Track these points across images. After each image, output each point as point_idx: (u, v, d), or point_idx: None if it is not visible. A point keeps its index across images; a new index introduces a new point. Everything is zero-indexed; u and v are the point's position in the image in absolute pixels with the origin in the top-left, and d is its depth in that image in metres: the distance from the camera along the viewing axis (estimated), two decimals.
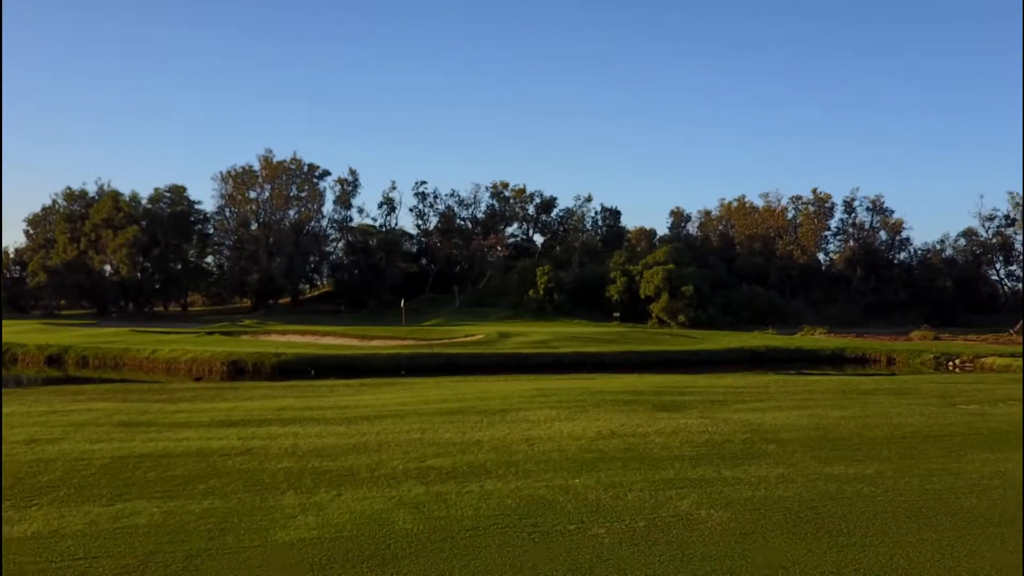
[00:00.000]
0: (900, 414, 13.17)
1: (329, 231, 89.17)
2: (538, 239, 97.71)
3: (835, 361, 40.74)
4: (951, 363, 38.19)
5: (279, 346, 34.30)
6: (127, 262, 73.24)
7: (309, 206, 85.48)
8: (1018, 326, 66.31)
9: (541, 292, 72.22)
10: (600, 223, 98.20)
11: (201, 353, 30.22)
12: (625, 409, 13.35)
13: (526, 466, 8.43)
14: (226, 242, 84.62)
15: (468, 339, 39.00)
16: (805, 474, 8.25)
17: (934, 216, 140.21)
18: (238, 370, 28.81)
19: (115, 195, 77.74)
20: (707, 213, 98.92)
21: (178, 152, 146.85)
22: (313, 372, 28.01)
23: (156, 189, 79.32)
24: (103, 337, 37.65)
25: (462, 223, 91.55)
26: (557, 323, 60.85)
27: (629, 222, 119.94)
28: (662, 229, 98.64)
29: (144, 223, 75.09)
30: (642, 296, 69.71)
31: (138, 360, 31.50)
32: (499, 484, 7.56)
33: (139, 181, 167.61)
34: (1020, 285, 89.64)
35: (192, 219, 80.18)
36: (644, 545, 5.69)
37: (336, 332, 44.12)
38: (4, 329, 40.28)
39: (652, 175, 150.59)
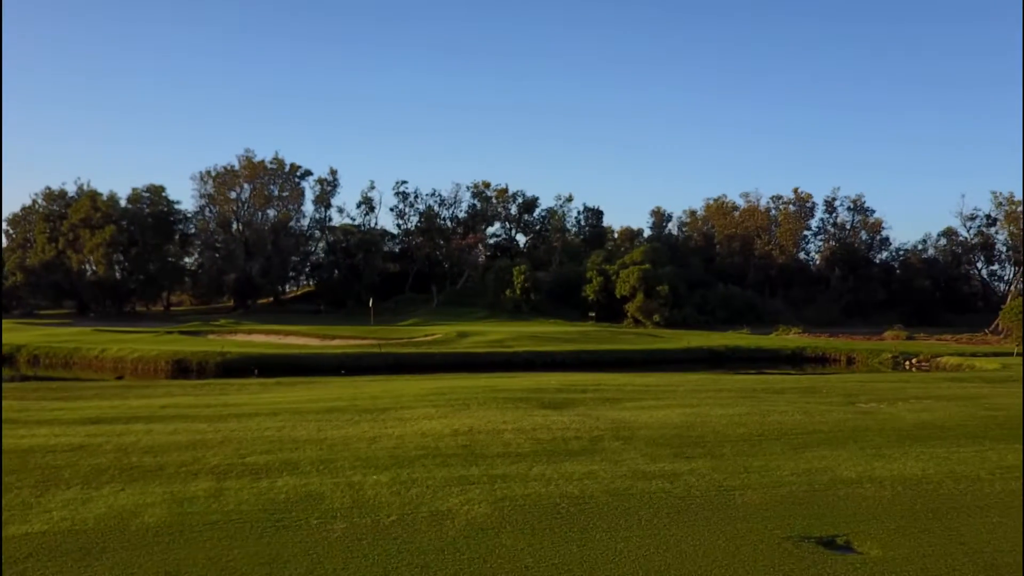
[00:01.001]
0: (783, 412, 13.20)
1: (312, 231, 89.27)
2: (521, 239, 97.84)
3: (795, 360, 40.84)
4: (908, 362, 38.34)
5: (229, 345, 34.32)
6: (103, 262, 73.22)
7: (289, 206, 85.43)
8: (992, 326, 66.54)
9: (518, 292, 72.15)
10: (583, 223, 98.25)
11: (148, 352, 30.26)
12: (507, 407, 13.37)
13: (341, 464, 8.45)
14: (206, 242, 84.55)
15: (424, 339, 39.05)
16: (616, 472, 8.28)
17: (916, 216, 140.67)
18: (182, 369, 28.84)
19: (93, 195, 77.63)
20: (692, 213, 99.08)
21: (158, 152, 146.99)
22: (256, 371, 27.99)
23: (134, 189, 79.31)
24: (60, 336, 37.66)
25: (443, 223, 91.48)
26: (529, 323, 60.84)
27: (618, 222, 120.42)
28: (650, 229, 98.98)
29: (123, 223, 75.03)
30: (618, 296, 69.76)
31: (87, 359, 31.55)
32: (292, 480, 7.59)
33: (120, 181, 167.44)
34: (1002, 285, 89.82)
35: (171, 219, 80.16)
36: (369, 539, 5.72)
37: (300, 332, 44.15)
38: None
39: (645, 175, 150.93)
